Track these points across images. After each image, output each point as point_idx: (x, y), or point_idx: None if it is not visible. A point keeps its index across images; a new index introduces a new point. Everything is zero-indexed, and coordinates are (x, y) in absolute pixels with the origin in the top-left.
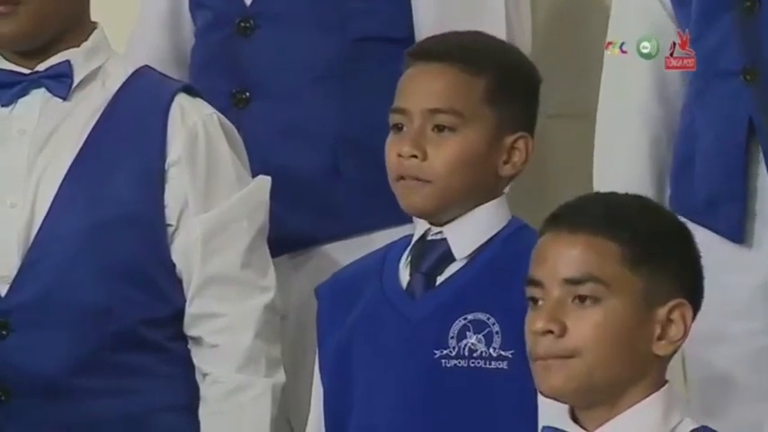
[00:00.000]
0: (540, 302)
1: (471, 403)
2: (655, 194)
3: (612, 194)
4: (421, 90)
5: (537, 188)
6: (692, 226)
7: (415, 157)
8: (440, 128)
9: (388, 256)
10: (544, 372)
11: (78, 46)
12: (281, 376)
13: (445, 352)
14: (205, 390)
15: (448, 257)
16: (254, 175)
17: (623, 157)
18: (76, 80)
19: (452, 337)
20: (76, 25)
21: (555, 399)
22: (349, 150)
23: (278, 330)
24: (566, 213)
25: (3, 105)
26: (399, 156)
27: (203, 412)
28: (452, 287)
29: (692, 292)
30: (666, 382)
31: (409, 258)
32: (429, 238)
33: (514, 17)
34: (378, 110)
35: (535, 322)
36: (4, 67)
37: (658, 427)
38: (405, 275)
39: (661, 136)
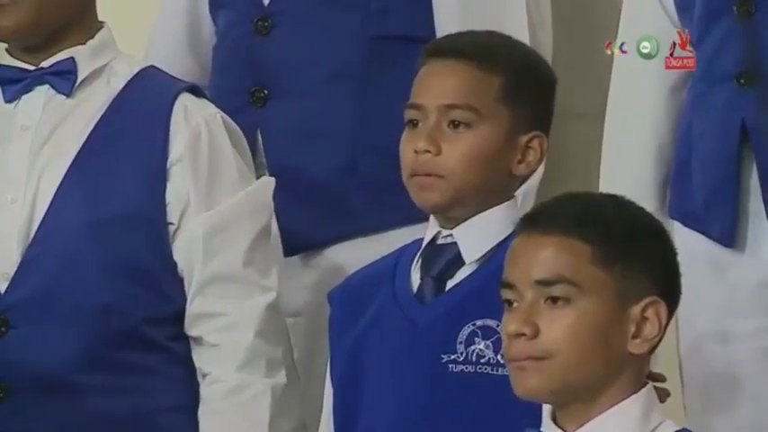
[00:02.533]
0: (515, 304)
1: (477, 409)
2: (659, 199)
3: (586, 194)
4: (437, 86)
5: (548, 188)
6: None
7: (429, 152)
8: (455, 124)
9: (400, 260)
10: (519, 373)
11: (84, 44)
12: (281, 377)
13: (453, 357)
14: (205, 389)
15: (458, 261)
16: (271, 173)
17: (630, 160)
18: (80, 77)
19: (461, 343)
20: (82, 22)
21: (531, 400)
22: (366, 149)
23: (280, 332)
24: (538, 215)
25: (6, 101)
26: (415, 152)
27: (202, 412)
28: (462, 292)
29: (668, 290)
30: (648, 383)
31: (419, 262)
32: (439, 241)
33: (536, 18)
34: (396, 109)
35: (508, 325)
36: (8, 63)
37: (638, 428)
38: (416, 279)
39: (668, 140)
